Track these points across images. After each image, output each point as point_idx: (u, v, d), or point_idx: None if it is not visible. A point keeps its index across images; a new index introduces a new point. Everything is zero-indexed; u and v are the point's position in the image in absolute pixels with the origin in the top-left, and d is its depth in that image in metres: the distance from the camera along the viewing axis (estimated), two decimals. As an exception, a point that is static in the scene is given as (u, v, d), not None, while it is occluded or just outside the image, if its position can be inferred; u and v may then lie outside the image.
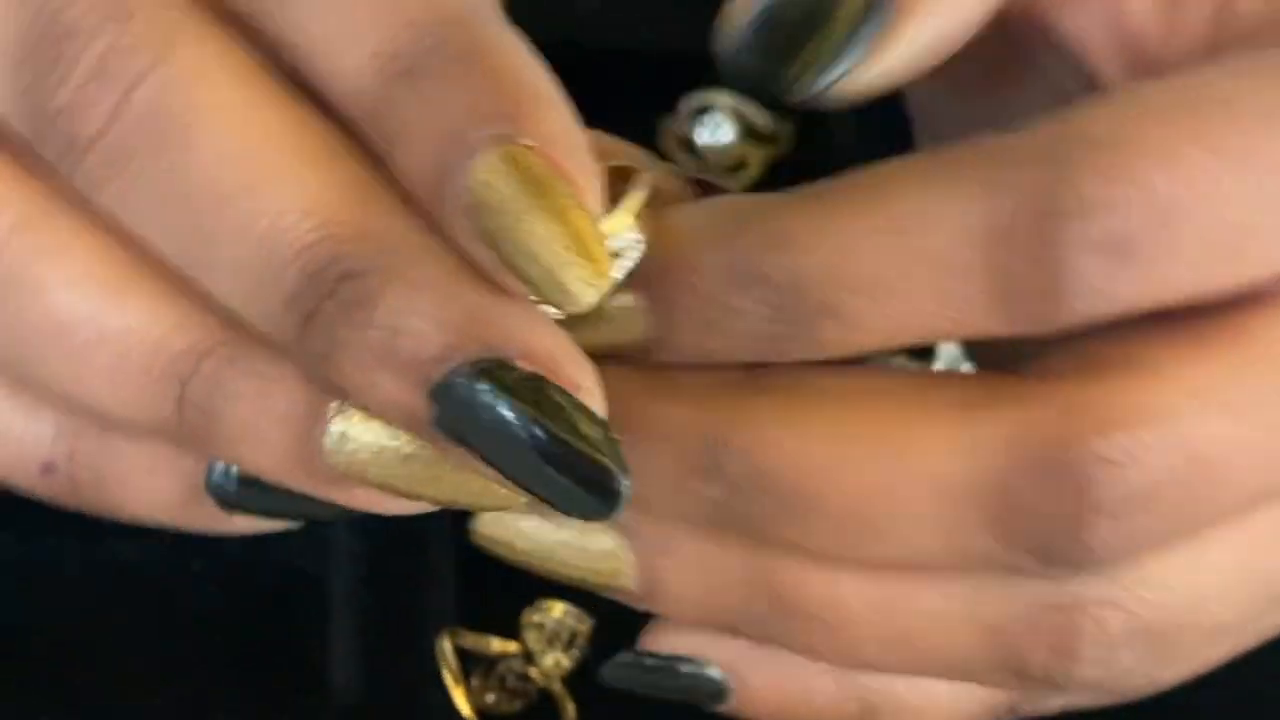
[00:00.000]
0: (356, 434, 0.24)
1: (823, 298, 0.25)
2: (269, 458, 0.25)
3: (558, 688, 0.33)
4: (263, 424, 0.25)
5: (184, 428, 0.25)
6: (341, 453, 0.24)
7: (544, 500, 0.23)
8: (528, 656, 0.33)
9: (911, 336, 0.25)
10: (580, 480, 0.23)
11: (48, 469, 0.27)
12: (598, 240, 0.23)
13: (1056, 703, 0.29)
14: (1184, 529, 0.26)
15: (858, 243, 0.25)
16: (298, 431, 0.25)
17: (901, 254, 0.25)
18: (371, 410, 0.24)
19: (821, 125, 0.34)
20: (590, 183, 0.23)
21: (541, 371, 0.23)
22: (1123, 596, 0.26)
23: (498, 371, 0.23)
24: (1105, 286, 0.24)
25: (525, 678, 0.33)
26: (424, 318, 0.23)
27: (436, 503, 0.25)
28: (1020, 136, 0.25)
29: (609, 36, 0.42)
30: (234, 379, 0.25)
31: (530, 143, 0.23)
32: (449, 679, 0.32)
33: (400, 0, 0.24)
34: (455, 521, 0.34)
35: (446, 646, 0.32)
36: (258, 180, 0.23)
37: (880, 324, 0.25)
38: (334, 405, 0.24)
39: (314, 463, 0.25)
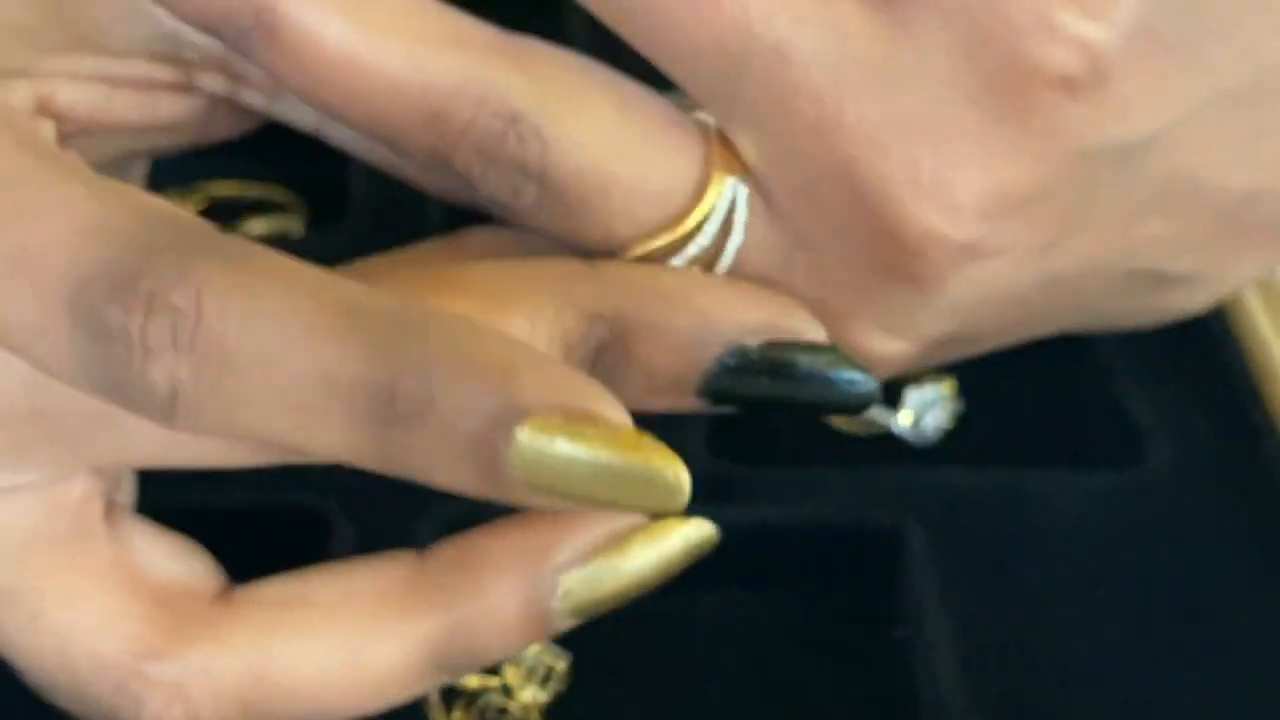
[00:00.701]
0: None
1: None
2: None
3: (535, 720, 0.33)
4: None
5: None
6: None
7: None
8: (506, 690, 0.33)
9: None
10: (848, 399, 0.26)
11: None
12: (651, 445, 0.23)
13: None
14: None
15: None
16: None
17: None
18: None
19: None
20: (608, 404, 0.23)
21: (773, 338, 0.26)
22: None
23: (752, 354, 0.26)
24: None
25: (504, 711, 0.33)
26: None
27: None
28: None
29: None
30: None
31: (535, 407, 0.22)
32: (433, 713, 0.32)
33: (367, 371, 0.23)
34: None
35: (430, 680, 0.33)
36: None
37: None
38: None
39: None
